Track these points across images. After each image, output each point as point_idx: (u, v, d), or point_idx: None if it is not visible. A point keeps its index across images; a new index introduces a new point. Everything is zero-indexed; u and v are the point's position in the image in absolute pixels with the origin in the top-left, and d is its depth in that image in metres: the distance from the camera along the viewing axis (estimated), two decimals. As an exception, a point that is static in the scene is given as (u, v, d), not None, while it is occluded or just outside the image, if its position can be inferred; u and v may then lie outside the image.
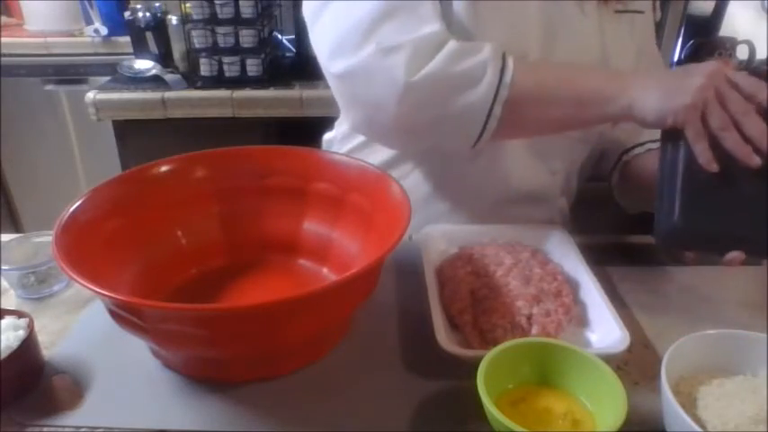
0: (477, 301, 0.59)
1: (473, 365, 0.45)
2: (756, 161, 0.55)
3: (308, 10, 0.68)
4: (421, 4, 0.62)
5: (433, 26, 0.62)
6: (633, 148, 0.79)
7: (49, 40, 1.88)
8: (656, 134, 0.73)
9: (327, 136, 0.92)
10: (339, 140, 0.88)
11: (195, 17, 1.47)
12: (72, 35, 1.93)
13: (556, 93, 0.63)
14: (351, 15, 0.62)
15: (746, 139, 0.55)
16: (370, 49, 0.61)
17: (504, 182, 0.79)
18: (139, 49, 1.63)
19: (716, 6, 1.69)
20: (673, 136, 0.59)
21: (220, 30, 1.48)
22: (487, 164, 0.77)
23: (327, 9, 0.65)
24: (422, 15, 0.62)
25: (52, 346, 0.57)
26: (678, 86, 0.58)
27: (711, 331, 0.49)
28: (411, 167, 0.81)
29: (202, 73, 1.52)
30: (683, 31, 1.68)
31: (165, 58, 1.62)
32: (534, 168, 0.79)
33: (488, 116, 0.61)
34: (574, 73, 0.64)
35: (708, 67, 0.58)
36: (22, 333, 0.50)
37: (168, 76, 1.54)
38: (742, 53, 1.59)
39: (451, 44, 0.61)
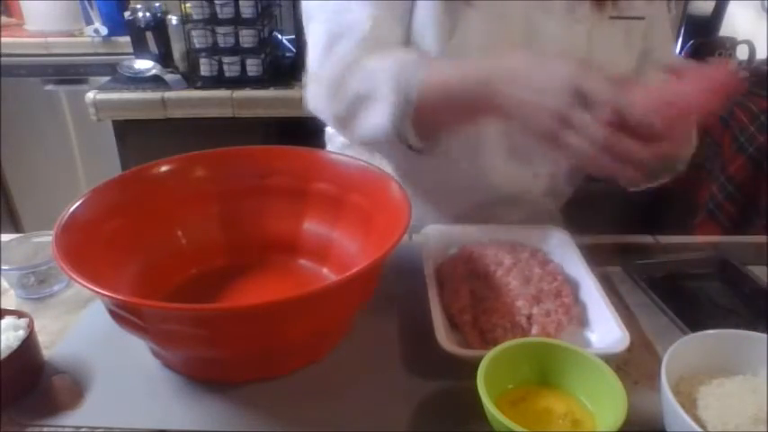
0: (477, 300, 0.59)
1: (473, 365, 0.45)
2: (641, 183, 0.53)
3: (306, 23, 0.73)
4: (360, 24, 0.66)
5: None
6: None
7: (49, 40, 1.87)
8: None
9: (330, 129, 0.93)
10: (336, 133, 0.88)
11: (195, 17, 1.48)
12: (72, 35, 1.93)
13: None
14: (312, 44, 0.70)
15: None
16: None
17: (484, 184, 0.79)
18: (139, 49, 1.63)
19: (716, 6, 1.70)
20: None
21: (220, 30, 1.48)
22: (467, 166, 0.77)
23: (308, 31, 0.72)
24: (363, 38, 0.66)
25: (52, 346, 0.57)
26: (531, 113, 0.53)
27: (711, 331, 0.49)
28: (392, 168, 0.80)
29: (202, 73, 1.52)
30: (683, 31, 1.68)
31: (165, 58, 1.62)
32: (515, 172, 0.79)
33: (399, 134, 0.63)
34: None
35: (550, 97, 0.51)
36: (22, 333, 0.50)
37: (168, 76, 1.54)
38: (742, 53, 1.59)
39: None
